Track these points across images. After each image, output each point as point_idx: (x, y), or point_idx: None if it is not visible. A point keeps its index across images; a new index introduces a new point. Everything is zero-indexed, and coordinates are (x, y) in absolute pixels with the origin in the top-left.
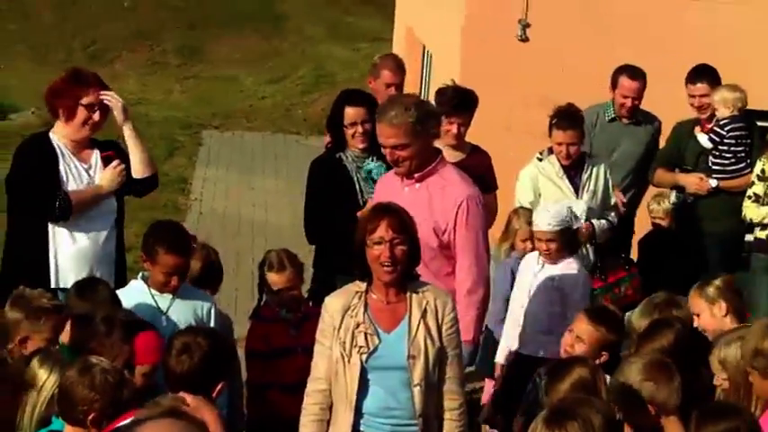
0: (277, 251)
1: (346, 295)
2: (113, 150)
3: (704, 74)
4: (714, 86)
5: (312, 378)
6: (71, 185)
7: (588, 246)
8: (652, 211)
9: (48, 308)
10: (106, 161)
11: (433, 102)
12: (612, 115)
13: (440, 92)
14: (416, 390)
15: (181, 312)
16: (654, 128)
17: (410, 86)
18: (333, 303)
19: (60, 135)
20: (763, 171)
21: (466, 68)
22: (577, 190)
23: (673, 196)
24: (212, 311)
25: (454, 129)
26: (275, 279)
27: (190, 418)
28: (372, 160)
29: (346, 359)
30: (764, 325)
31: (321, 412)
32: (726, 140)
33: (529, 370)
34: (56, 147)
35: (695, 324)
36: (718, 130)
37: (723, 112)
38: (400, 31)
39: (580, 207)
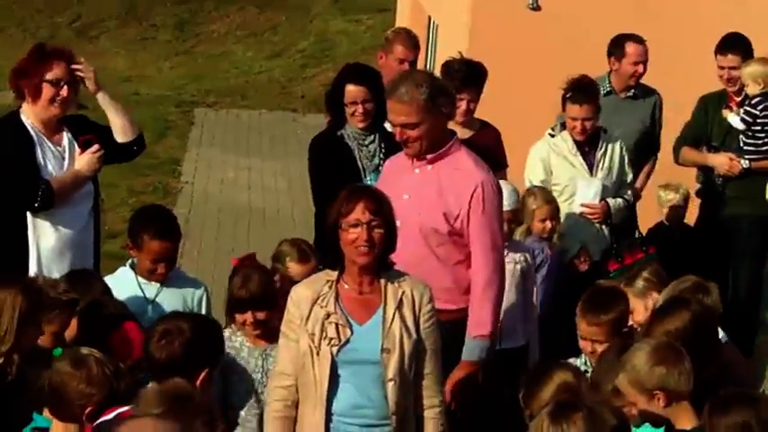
0: (293, 240)
1: (316, 284)
2: (93, 133)
3: (736, 44)
4: (746, 59)
5: (276, 373)
6: (49, 171)
7: (603, 226)
8: (670, 201)
9: (63, 301)
10: (86, 146)
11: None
12: (608, 88)
13: (446, 65)
14: (390, 385)
15: (169, 301)
16: (652, 102)
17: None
18: (301, 292)
19: (30, 117)
20: None
21: (474, 40)
22: (591, 167)
23: (718, 180)
24: (204, 299)
25: (463, 105)
26: (298, 270)
27: (178, 417)
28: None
29: (315, 352)
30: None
31: (286, 409)
32: (759, 120)
33: None
34: (29, 129)
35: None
36: (750, 109)
37: (753, 89)
38: (404, 1)
39: (595, 185)
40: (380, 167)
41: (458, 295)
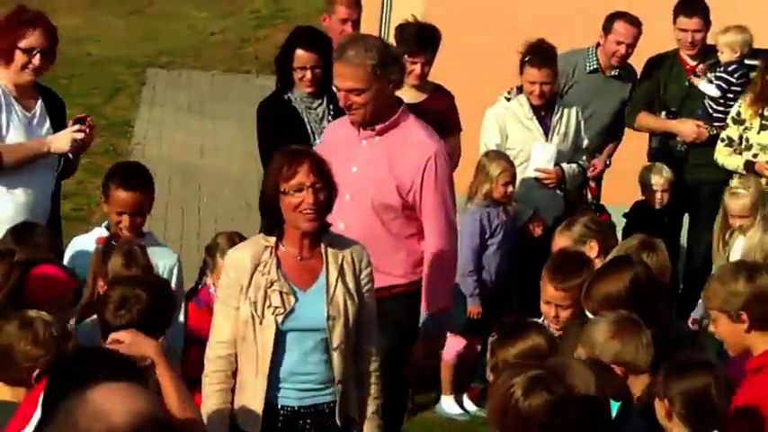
0: (230, 235)
1: (254, 248)
2: (87, 115)
3: (698, 7)
4: (707, 21)
5: (214, 342)
6: (9, 135)
7: (557, 191)
8: (654, 185)
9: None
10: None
11: (392, 39)
12: (595, 65)
13: (400, 28)
14: (335, 354)
15: None
16: (633, 83)
17: (368, 23)
18: (239, 258)
19: (2, 78)
20: (738, 114)
21: (430, 3)
22: (547, 132)
23: (679, 146)
24: (175, 271)
25: (417, 69)
26: None
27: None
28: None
29: (258, 321)
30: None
31: (227, 379)
32: (733, 87)
33: None
34: None
35: None
36: (726, 76)
37: (729, 56)
38: None
39: (550, 150)
40: None
41: (411, 268)
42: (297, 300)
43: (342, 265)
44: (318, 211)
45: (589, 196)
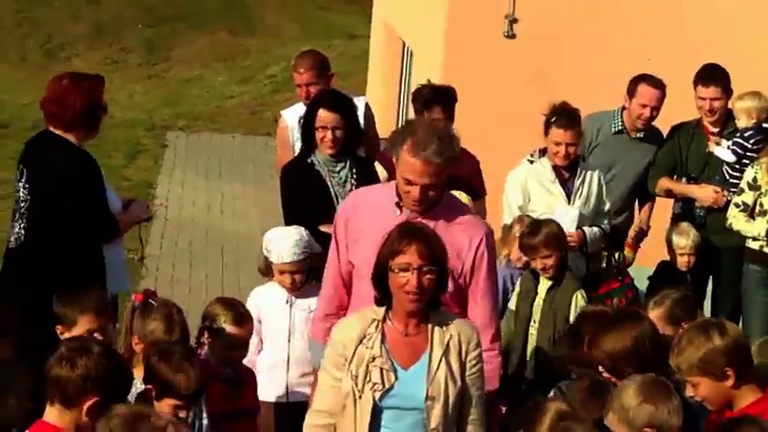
0: (229, 301)
1: (361, 322)
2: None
3: (718, 76)
4: (726, 89)
5: (314, 410)
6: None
7: (579, 254)
8: (682, 247)
9: None
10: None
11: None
12: (620, 127)
13: (415, 92)
14: None
15: None
16: (659, 146)
17: (390, 86)
18: (345, 330)
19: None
20: (755, 179)
21: (449, 67)
22: (569, 195)
23: (699, 211)
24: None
25: None
26: (235, 332)
27: None
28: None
29: (357, 395)
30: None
31: None
32: (749, 153)
33: None
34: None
35: None
36: (742, 142)
37: (745, 122)
38: (378, 26)
39: (572, 213)
40: None
41: None
42: (397, 377)
43: (448, 345)
44: (423, 293)
45: (627, 253)
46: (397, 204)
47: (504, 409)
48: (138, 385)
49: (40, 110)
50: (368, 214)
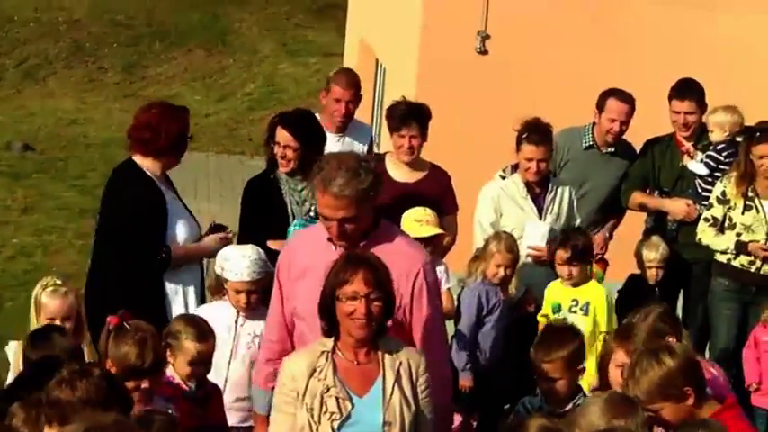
0: (191, 317)
1: (310, 355)
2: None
3: (692, 90)
4: (701, 104)
5: None
6: (179, 234)
7: (550, 268)
8: (651, 260)
9: None
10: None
11: (384, 120)
12: (590, 142)
13: (390, 109)
14: None
15: None
16: (631, 161)
17: (364, 104)
18: (294, 364)
19: (150, 168)
20: (723, 193)
21: (422, 83)
22: (541, 211)
23: (670, 225)
24: None
25: (405, 142)
26: (197, 349)
27: None
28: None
29: (314, 427)
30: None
31: None
32: (721, 166)
33: None
34: (156, 182)
35: None
36: (715, 155)
37: (718, 136)
38: (352, 44)
39: (543, 228)
40: (311, 213)
41: None
42: (353, 406)
43: (398, 371)
44: (371, 320)
45: (595, 271)
46: (330, 239)
47: (460, 419)
48: None
49: (128, 139)
50: (308, 253)
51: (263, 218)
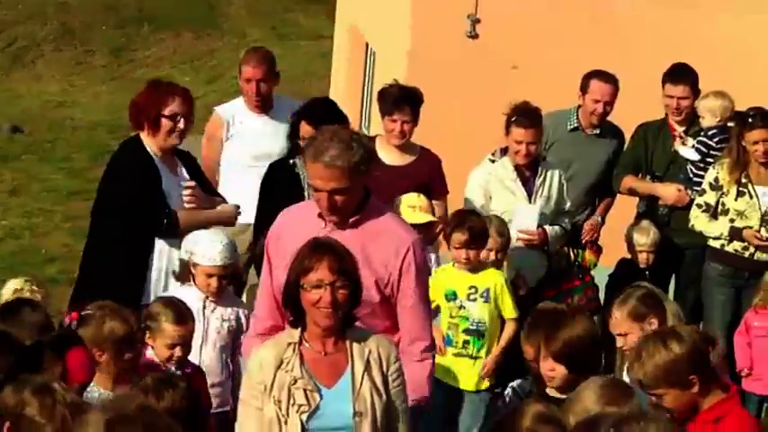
0: (170, 300)
1: (276, 347)
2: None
3: (686, 74)
4: (694, 89)
5: None
6: (174, 201)
7: (541, 252)
8: (641, 245)
9: None
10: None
11: (376, 103)
12: (575, 124)
13: (382, 92)
14: None
15: None
16: (618, 142)
17: (353, 87)
18: (262, 356)
19: (150, 146)
20: (716, 179)
21: (412, 67)
22: (530, 194)
23: (662, 210)
24: None
25: (396, 126)
26: (177, 332)
27: None
28: None
29: (282, 420)
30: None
31: None
32: (712, 152)
33: None
34: (153, 157)
35: (619, 344)
36: (706, 140)
37: (709, 121)
38: (342, 28)
39: (533, 211)
40: None
41: None
42: (322, 397)
43: (368, 361)
44: (337, 308)
45: (588, 257)
46: (320, 215)
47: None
48: (102, 391)
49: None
50: (297, 230)
51: (281, 202)
